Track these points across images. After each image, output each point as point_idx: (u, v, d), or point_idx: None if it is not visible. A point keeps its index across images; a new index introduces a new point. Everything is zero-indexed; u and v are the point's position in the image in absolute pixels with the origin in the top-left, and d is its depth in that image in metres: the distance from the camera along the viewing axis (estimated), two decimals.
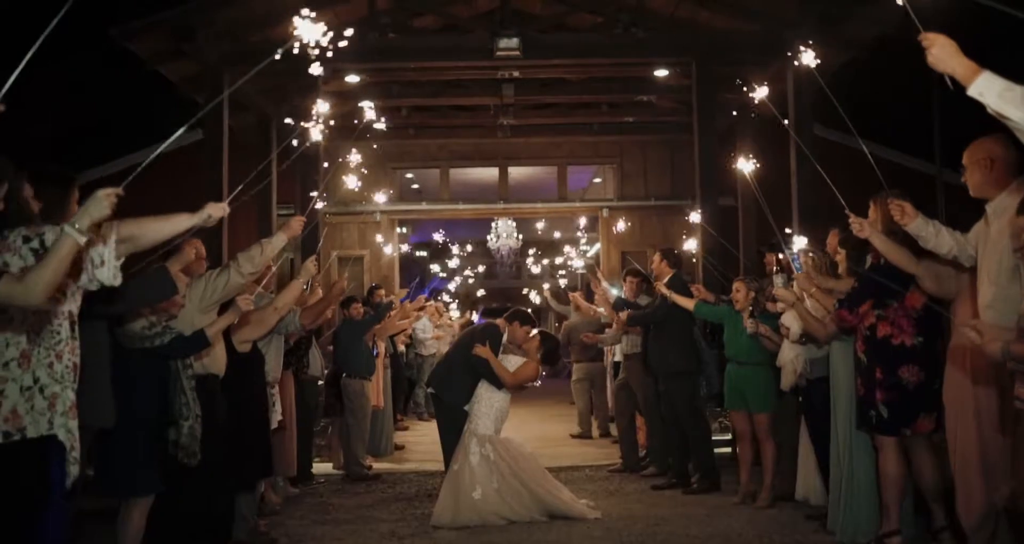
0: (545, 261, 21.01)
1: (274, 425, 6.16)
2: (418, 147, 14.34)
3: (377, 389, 8.74)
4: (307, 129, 4.79)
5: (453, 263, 21.24)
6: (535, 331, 6.64)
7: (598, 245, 15.13)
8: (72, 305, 3.11)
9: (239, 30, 9.46)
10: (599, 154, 14.59)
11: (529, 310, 6.85)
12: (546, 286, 14.40)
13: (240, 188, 4.45)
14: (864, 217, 4.60)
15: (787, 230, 5.73)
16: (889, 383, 4.59)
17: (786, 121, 8.52)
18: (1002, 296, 3.68)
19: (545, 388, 7.30)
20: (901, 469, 4.70)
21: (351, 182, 6.71)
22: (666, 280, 7.14)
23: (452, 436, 6.29)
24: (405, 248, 15.23)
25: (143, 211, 3.29)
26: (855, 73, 9.63)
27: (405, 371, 11.75)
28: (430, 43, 10.85)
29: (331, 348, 8.35)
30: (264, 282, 5.42)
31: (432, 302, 13.23)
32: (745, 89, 4.97)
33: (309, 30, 3.37)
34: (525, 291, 23.83)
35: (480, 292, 21.64)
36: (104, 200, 2.74)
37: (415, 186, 16.60)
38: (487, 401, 6.28)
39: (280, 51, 3.34)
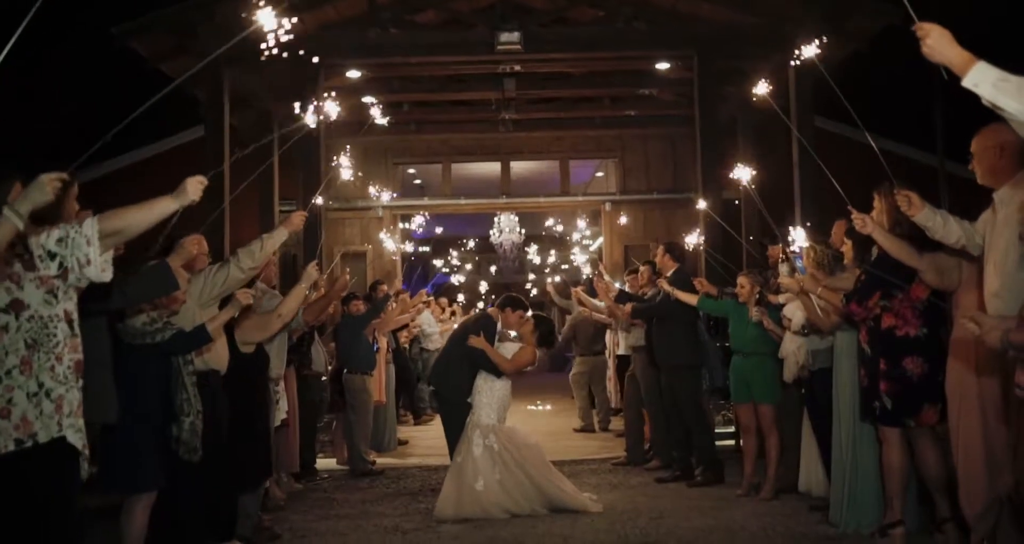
0: (551, 254, 20.99)
1: (278, 422, 6.18)
2: (420, 142, 14.32)
3: (379, 384, 8.75)
4: (305, 114, 4.74)
5: (457, 260, 21.24)
6: (528, 314, 6.61)
7: (600, 239, 15.12)
8: (68, 304, 3.09)
9: (239, 27, 9.44)
10: (601, 148, 14.57)
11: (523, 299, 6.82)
12: (550, 280, 14.38)
13: (241, 188, 4.43)
14: (868, 209, 4.60)
15: (789, 227, 5.71)
16: (893, 374, 4.58)
17: (787, 115, 8.50)
18: (1008, 284, 3.66)
19: (549, 382, 7.25)
20: (905, 460, 4.70)
21: (352, 177, 6.69)
22: (670, 274, 7.14)
23: (456, 431, 6.30)
24: (409, 247, 15.18)
25: None
26: (857, 63, 9.57)
27: (411, 366, 11.73)
28: (431, 38, 10.83)
29: (332, 344, 8.36)
30: (262, 275, 5.40)
31: (434, 299, 13.23)
32: (747, 82, 4.97)
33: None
34: (528, 286, 23.82)
35: (483, 286, 21.65)
36: (47, 185, 2.71)
37: (417, 181, 16.59)
38: (487, 390, 6.29)
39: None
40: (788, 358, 5.89)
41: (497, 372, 6.29)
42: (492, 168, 14.70)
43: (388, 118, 7.06)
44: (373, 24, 10.10)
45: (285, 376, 6.42)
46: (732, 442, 8.05)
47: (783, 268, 5.57)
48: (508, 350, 6.42)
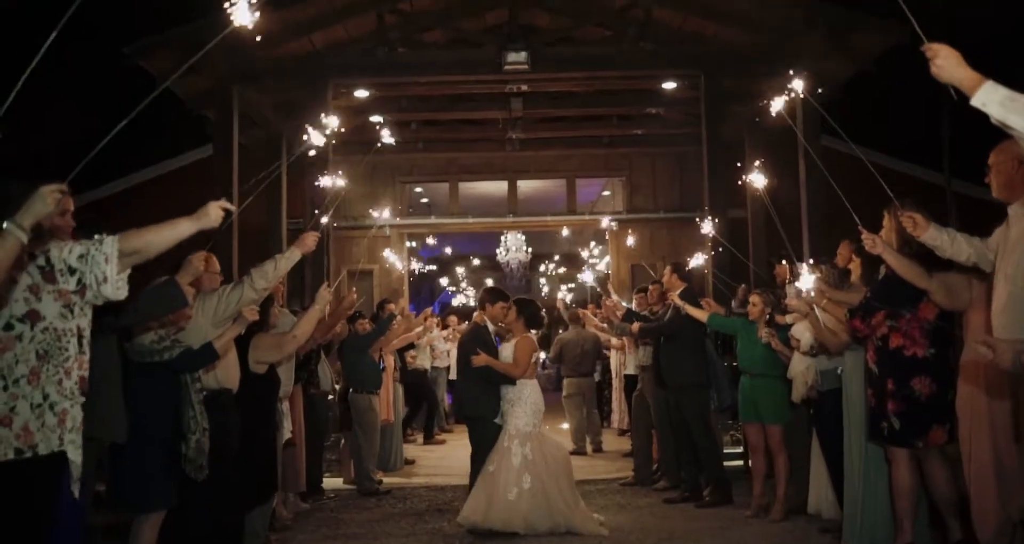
0: (561, 271, 20.93)
1: (282, 440, 6.16)
2: (427, 161, 14.39)
3: (386, 403, 8.72)
4: (314, 134, 4.76)
5: (461, 276, 21.21)
6: (509, 303, 6.53)
7: (607, 258, 15.11)
8: (82, 320, 3.10)
9: (249, 47, 9.53)
10: (608, 167, 14.62)
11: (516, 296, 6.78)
12: (560, 297, 14.32)
13: (248, 200, 4.43)
14: (877, 227, 4.59)
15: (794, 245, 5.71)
16: (901, 394, 4.56)
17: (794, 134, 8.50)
18: (1016, 298, 3.64)
19: (547, 403, 7.12)
20: (913, 481, 4.66)
21: (360, 196, 6.72)
22: (677, 294, 7.12)
23: (483, 446, 6.22)
24: (417, 265, 15.19)
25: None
26: (864, 82, 9.61)
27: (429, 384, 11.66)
28: (439, 57, 10.90)
29: (339, 364, 8.34)
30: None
31: (440, 318, 13.19)
32: (753, 101, 4.98)
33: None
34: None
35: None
36: (48, 197, 2.70)
37: (424, 200, 16.63)
38: (516, 396, 6.23)
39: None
40: (796, 378, 5.85)
41: (512, 380, 6.27)
42: (499, 187, 14.75)
43: (396, 137, 7.10)
44: (382, 43, 10.17)
45: (292, 395, 6.41)
46: (740, 462, 7.99)
47: (791, 290, 5.55)
48: (506, 351, 6.40)
